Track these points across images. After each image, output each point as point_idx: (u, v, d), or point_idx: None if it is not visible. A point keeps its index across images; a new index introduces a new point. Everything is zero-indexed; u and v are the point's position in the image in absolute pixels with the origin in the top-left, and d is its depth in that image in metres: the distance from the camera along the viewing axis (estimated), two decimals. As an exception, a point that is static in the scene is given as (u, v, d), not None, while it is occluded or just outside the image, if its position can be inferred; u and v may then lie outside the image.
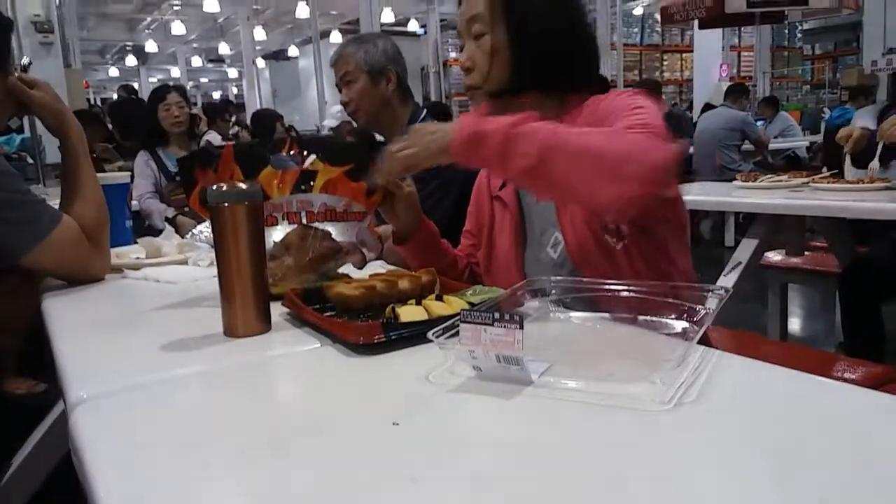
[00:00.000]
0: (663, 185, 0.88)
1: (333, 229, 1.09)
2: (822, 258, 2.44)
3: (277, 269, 1.01)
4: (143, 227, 3.00)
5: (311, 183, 1.10)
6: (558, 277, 0.94)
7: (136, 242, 1.47)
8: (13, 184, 1.09)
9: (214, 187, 0.86)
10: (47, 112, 1.24)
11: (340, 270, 1.09)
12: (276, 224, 1.07)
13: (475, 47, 1.07)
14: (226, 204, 0.85)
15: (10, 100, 1.21)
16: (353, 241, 1.11)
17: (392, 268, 1.20)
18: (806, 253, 2.48)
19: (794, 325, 3.48)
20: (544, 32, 1.04)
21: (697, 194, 2.27)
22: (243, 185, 0.88)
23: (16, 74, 1.23)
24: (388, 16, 13.74)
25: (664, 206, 1.06)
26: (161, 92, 3.05)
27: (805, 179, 2.16)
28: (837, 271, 2.22)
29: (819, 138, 5.98)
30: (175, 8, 12.67)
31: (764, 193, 2.12)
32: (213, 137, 3.13)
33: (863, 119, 2.90)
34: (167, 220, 2.81)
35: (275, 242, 1.05)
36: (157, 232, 3.14)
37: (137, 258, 1.37)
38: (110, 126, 4.36)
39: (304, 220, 1.08)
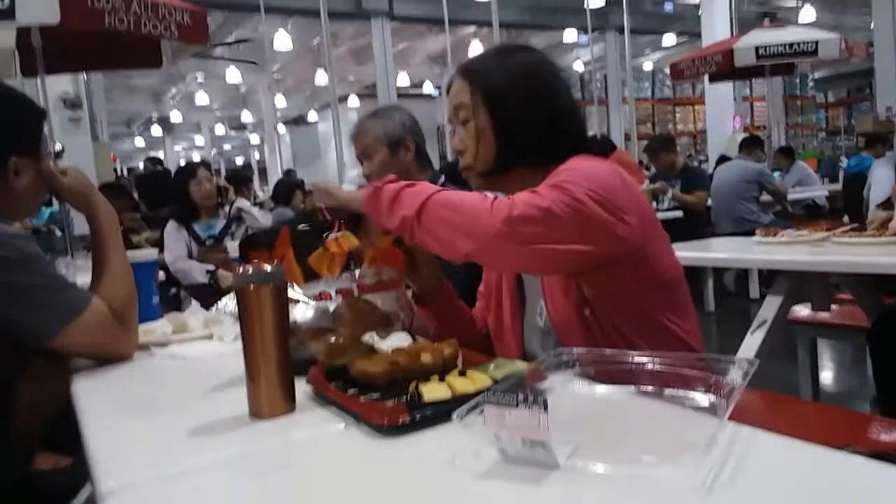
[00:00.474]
0: (501, 243, 0.96)
1: (378, 300, 1.12)
2: (851, 311, 2.40)
3: (337, 340, 1.03)
4: (170, 296, 3.07)
5: (358, 260, 1.14)
6: (581, 349, 0.94)
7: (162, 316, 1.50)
8: (42, 268, 1.12)
9: (240, 270, 0.89)
10: (76, 198, 1.29)
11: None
12: (331, 299, 1.09)
13: (464, 132, 1.17)
14: (251, 285, 0.87)
15: (43, 186, 1.26)
16: (395, 309, 1.14)
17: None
18: (833, 306, 2.44)
19: (826, 380, 3.39)
20: (522, 115, 1.13)
21: (718, 251, 2.26)
22: (268, 268, 0.90)
23: (49, 161, 1.29)
24: (403, 79, 14.18)
25: (628, 267, 1.08)
26: (191, 168, 3.18)
27: (826, 234, 2.15)
28: (867, 325, 2.18)
29: (838, 186, 5.95)
30: (199, 80, 13.16)
31: (785, 249, 2.11)
32: (243, 204, 3.27)
33: (881, 169, 2.89)
34: (208, 272, 2.95)
35: (325, 314, 1.07)
36: (182, 301, 3.21)
37: (164, 333, 1.39)
38: (136, 196, 4.49)
39: (356, 293, 1.11)
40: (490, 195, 1.02)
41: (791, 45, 5.35)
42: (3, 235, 1.08)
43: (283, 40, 10.27)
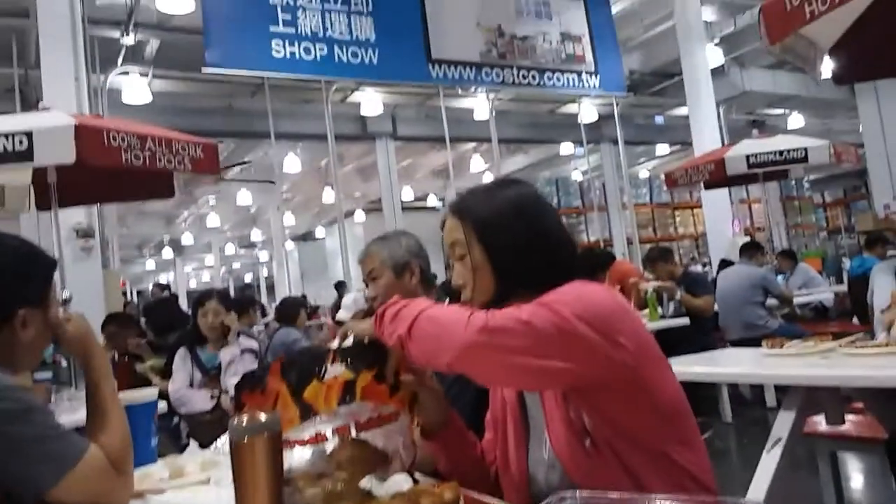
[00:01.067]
0: (477, 352, 0.98)
1: (377, 436, 1.09)
2: (868, 422, 2.32)
3: (333, 486, 1.00)
4: (172, 427, 3.03)
5: (354, 392, 1.12)
6: (584, 493, 0.90)
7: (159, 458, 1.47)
8: (40, 419, 1.11)
9: (235, 422, 0.88)
10: (75, 345, 1.31)
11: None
12: (327, 440, 1.06)
13: (461, 267, 1.21)
14: (245, 438, 0.86)
15: (48, 335, 1.28)
16: (396, 446, 1.11)
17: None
18: (850, 416, 2.37)
19: (850, 493, 3.23)
20: (515, 246, 1.17)
21: (727, 365, 2.23)
22: (263, 416, 0.89)
23: (57, 310, 1.31)
24: (408, 194, 14.65)
25: (625, 394, 1.05)
26: (203, 298, 3.23)
27: (833, 344, 2.12)
28: (884, 437, 2.11)
29: (843, 287, 5.94)
30: (211, 203, 13.59)
31: (793, 361, 2.08)
32: (245, 342, 3.30)
33: (882, 276, 2.90)
34: (212, 397, 2.95)
35: (321, 458, 1.05)
36: (182, 433, 3.15)
37: (160, 479, 1.35)
38: (144, 322, 4.53)
39: (353, 432, 1.08)
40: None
41: (781, 152, 5.53)
42: (3, 388, 1.09)
43: (292, 163, 10.73)
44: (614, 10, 8.61)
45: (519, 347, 0.97)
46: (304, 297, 12.55)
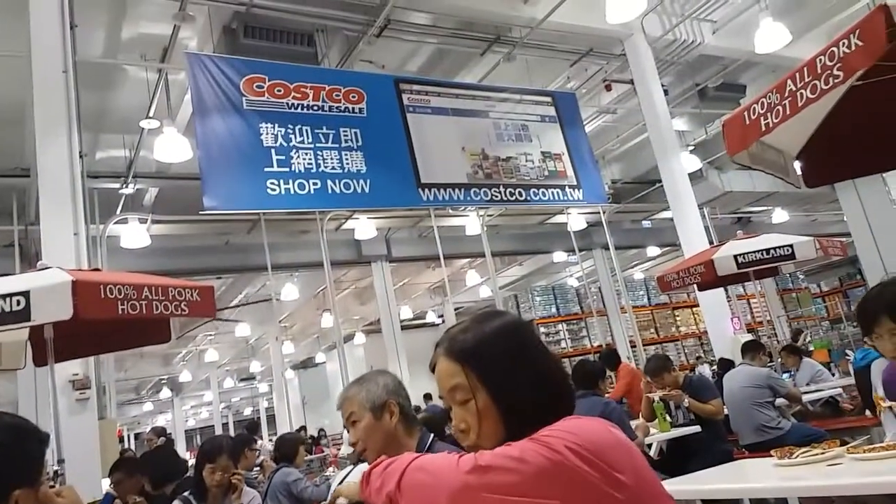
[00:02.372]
0: (470, 494, 0.96)
1: None
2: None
3: None
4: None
5: None
6: None
7: None
8: None
9: None
10: None
11: None
12: None
13: (463, 412, 1.14)
14: None
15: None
16: None
17: None
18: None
19: None
20: (519, 386, 1.12)
21: (737, 481, 2.16)
22: None
23: (47, 486, 1.29)
24: (406, 312, 14.69)
25: None
26: (213, 453, 3.11)
27: (841, 450, 2.08)
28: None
29: (851, 379, 5.84)
30: (209, 338, 13.56)
31: (803, 471, 2.02)
32: (247, 495, 3.17)
33: (879, 370, 2.87)
34: None
35: None
36: None
37: None
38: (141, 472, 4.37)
39: None
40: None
41: (767, 250, 5.59)
42: None
43: (289, 292, 10.84)
44: (592, 125, 9.09)
45: (512, 485, 0.94)
46: (303, 428, 12.23)
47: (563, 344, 13.25)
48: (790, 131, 3.22)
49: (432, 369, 1.21)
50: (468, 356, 1.14)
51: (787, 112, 3.02)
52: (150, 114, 6.44)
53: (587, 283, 13.36)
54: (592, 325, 13.42)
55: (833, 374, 6.77)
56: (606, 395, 4.43)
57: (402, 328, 11.61)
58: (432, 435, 1.98)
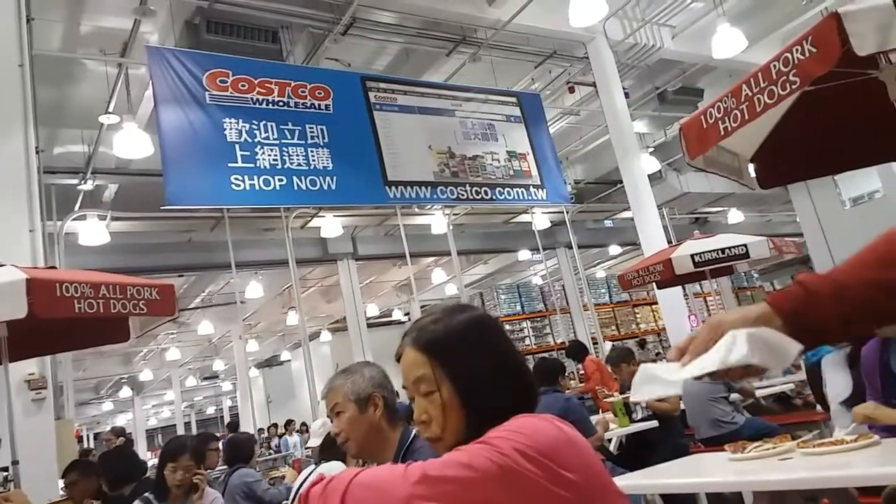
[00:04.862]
0: None
1: None
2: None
3: None
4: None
5: None
6: None
7: None
8: None
9: None
10: None
11: None
12: None
13: (427, 403, 1.13)
14: None
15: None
16: None
17: None
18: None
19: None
20: (484, 380, 1.12)
21: (692, 476, 2.24)
22: None
23: None
24: (372, 310, 14.64)
25: None
26: (176, 452, 3.07)
27: (791, 444, 2.17)
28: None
29: (803, 374, 6.05)
30: (171, 336, 13.33)
31: (755, 465, 2.11)
32: (208, 496, 3.14)
33: (832, 366, 3.00)
34: None
35: None
36: None
37: None
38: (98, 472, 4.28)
39: None
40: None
41: (723, 250, 5.80)
42: None
43: (254, 290, 10.71)
44: (556, 126, 9.20)
45: (462, 492, 0.93)
46: (273, 426, 12.09)
47: (527, 341, 13.39)
48: (745, 135, 3.33)
49: (398, 359, 1.19)
50: (435, 348, 1.14)
51: (746, 117, 3.13)
52: (110, 109, 6.30)
53: (551, 282, 13.52)
54: (556, 322, 13.60)
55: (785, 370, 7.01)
56: (567, 391, 4.52)
57: (369, 326, 11.59)
58: (415, 429, 2.00)
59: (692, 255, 5.77)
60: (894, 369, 2.34)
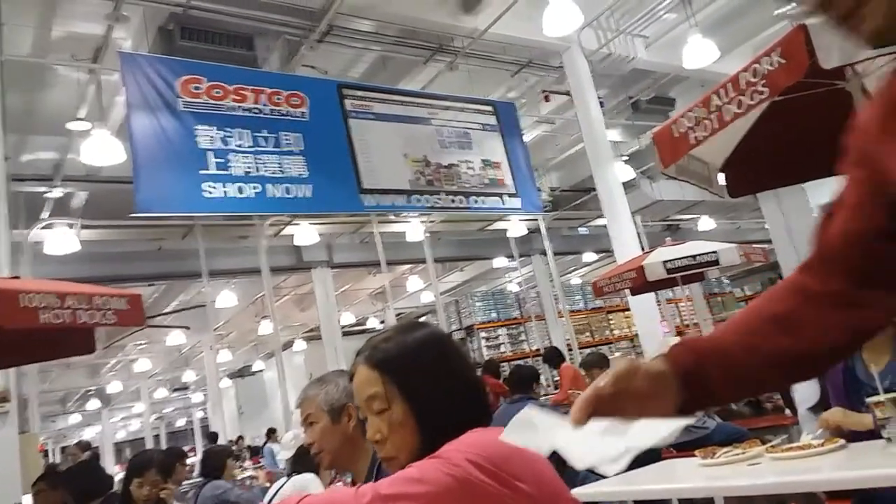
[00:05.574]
0: None
1: None
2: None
3: None
4: None
5: None
6: None
7: None
8: None
9: None
10: None
11: None
12: None
13: (380, 421, 1.12)
14: None
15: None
16: None
17: None
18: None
19: None
20: (438, 398, 1.11)
21: (662, 482, 2.26)
22: None
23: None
24: (347, 319, 14.55)
25: None
26: (142, 467, 3.01)
27: (760, 449, 2.21)
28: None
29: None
30: (140, 347, 13.09)
31: (725, 471, 2.14)
32: None
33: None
34: None
35: None
36: None
37: None
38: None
39: None
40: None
41: (694, 256, 5.92)
42: None
43: (226, 299, 10.58)
44: (532, 134, 9.28)
45: None
46: (240, 438, 11.95)
47: (503, 348, 13.43)
48: (715, 144, 3.40)
49: (351, 378, 1.19)
50: (388, 365, 1.13)
51: (716, 126, 3.20)
52: (81, 115, 6.20)
53: (526, 289, 13.59)
54: (531, 329, 13.66)
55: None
56: (542, 397, 4.54)
57: (344, 334, 11.51)
58: None
59: (664, 262, 5.86)
60: (859, 375, 2.40)
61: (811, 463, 1.97)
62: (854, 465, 1.95)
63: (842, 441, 2.06)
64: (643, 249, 7.63)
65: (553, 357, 7.67)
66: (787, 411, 5.03)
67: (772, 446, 2.17)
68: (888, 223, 0.88)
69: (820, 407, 2.69)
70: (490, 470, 0.95)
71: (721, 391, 0.90)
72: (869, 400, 2.03)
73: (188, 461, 5.93)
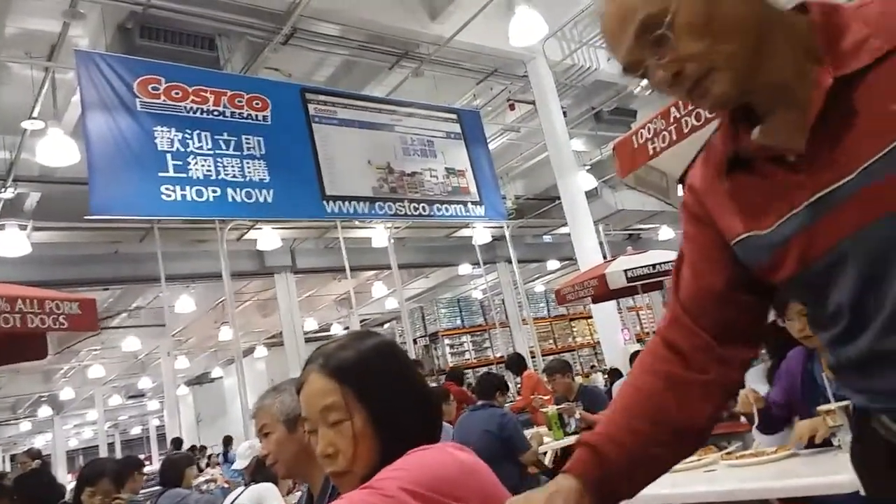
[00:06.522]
0: None
1: None
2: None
3: None
4: None
5: None
6: None
7: None
8: None
9: None
10: None
11: None
12: None
13: (333, 434, 1.06)
14: None
15: None
16: None
17: None
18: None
19: None
20: (398, 407, 1.07)
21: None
22: None
23: None
24: (310, 325, 14.39)
25: None
26: (93, 476, 2.90)
27: (715, 456, 2.25)
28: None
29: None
30: (94, 352, 12.73)
31: (680, 477, 2.17)
32: None
33: (752, 380, 3.12)
34: None
35: None
36: None
37: None
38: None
39: None
40: None
41: (654, 265, 6.04)
42: None
43: (185, 304, 10.35)
44: (497, 142, 9.34)
45: None
46: (194, 448, 11.68)
47: (467, 355, 13.42)
48: (673, 155, 3.47)
49: (298, 390, 1.12)
50: (347, 374, 1.07)
51: (674, 138, 3.27)
52: (35, 114, 6.01)
53: (491, 296, 13.64)
54: (495, 336, 13.70)
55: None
56: (505, 406, 4.54)
57: (307, 341, 11.37)
58: None
59: (625, 271, 5.96)
60: (818, 379, 2.46)
61: (765, 470, 2.01)
62: (806, 473, 2.00)
63: (794, 449, 2.11)
64: (605, 258, 7.74)
65: (515, 364, 7.71)
66: (743, 418, 5.15)
67: (727, 453, 2.22)
68: (730, 276, 0.96)
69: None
70: (426, 496, 0.91)
71: (626, 489, 0.97)
72: (820, 408, 2.08)
73: (145, 469, 5.78)
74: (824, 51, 0.83)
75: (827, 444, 2.14)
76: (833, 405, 2.03)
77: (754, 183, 0.90)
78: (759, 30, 0.84)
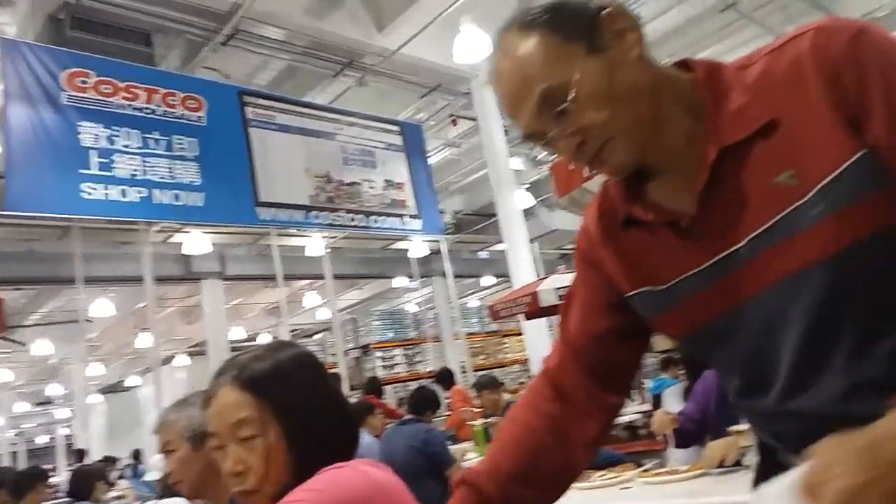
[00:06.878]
0: None
1: None
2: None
3: None
4: None
5: None
6: None
7: None
8: None
9: None
10: None
11: None
12: None
13: (244, 451, 1.01)
14: None
15: None
16: None
17: None
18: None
19: None
20: (314, 423, 1.04)
21: None
22: None
23: None
24: (238, 333, 13.96)
25: None
26: (30, 482, 2.69)
27: (633, 474, 2.31)
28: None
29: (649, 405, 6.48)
30: (2, 355, 11.95)
31: (599, 494, 2.22)
32: None
33: (671, 399, 3.24)
34: None
35: None
36: None
37: None
38: None
39: None
40: None
41: (585, 285, 6.17)
42: None
43: (103, 307, 9.85)
44: (439, 156, 9.39)
45: None
46: (111, 459, 11.11)
47: (398, 368, 13.34)
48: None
49: (207, 403, 1.05)
50: (263, 387, 1.02)
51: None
52: (-52, 101, 5.63)
53: (424, 310, 13.63)
54: (427, 350, 13.69)
55: (633, 400, 7.47)
56: (432, 422, 4.52)
57: (232, 350, 11.01)
58: None
59: (557, 289, 6.07)
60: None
61: (680, 487, 2.07)
62: (717, 491, 2.07)
63: (705, 468, 2.20)
64: (538, 276, 7.87)
65: (445, 378, 7.73)
66: (661, 438, 5.31)
67: (644, 471, 2.28)
68: (620, 323, 0.98)
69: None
70: None
71: None
72: (731, 429, 2.17)
73: (50, 481, 5.46)
74: (709, 113, 0.83)
75: (738, 464, 2.23)
76: (744, 426, 2.12)
77: (649, 241, 0.90)
78: (653, 96, 0.84)
